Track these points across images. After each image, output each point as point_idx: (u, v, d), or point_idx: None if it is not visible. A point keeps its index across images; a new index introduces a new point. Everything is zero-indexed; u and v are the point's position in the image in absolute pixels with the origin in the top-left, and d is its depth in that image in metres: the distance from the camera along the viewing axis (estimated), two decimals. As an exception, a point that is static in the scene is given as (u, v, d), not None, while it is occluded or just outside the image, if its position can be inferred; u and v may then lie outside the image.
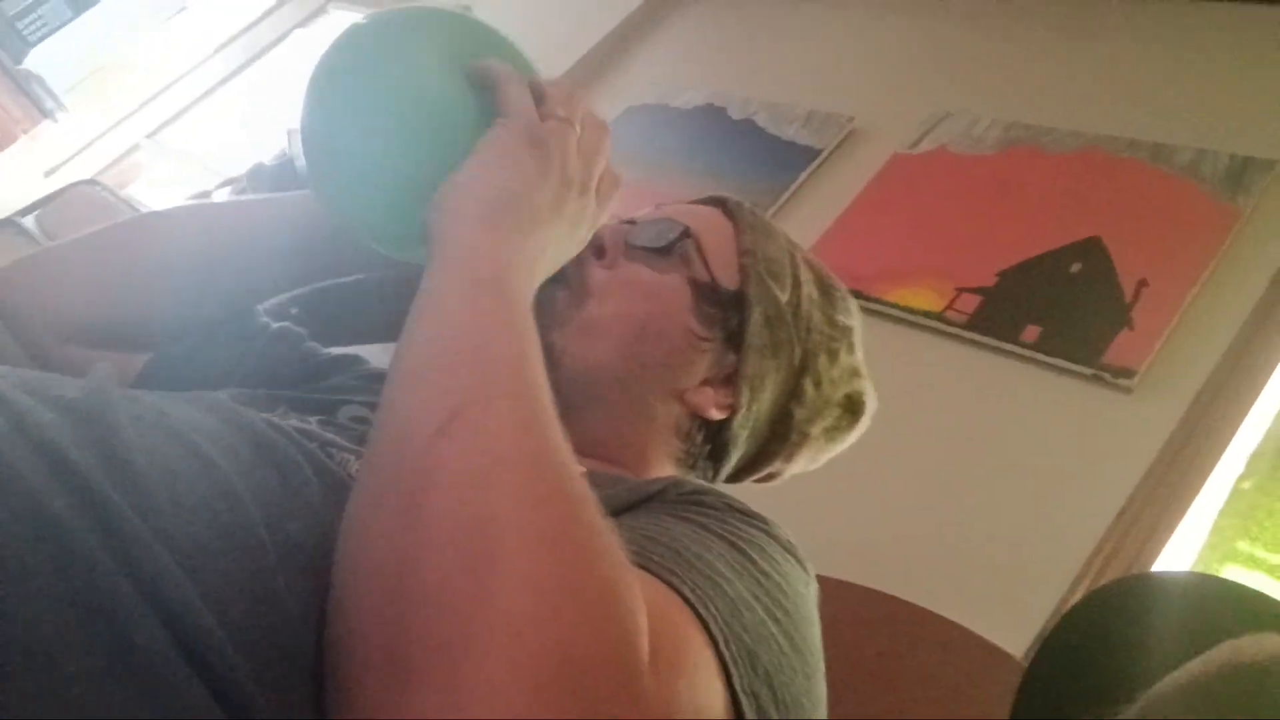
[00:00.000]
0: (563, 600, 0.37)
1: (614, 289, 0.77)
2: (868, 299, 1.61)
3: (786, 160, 1.94)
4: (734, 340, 0.79)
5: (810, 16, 2.30)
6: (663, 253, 0.79)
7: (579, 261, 0.73)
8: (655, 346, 0.77)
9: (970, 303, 1.54)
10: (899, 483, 1.37)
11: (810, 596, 0.58)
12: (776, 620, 0.51)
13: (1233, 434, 1.22)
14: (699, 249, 0.80)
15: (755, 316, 0.79)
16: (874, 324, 1.59)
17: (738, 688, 0.47)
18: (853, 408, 0.87)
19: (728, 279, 0.80)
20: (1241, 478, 1.15)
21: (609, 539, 0.42)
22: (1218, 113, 1.60)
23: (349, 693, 0.38)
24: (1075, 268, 1.51)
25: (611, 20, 2.48)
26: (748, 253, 0.81)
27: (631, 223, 0.81)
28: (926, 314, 1.55)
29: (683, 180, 2.04)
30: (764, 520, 0.61)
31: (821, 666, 0.54)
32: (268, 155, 2.02)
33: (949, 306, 1.55)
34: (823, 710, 0.53)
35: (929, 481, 1.36)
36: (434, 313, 0.51)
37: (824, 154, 1.91)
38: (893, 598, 1.20)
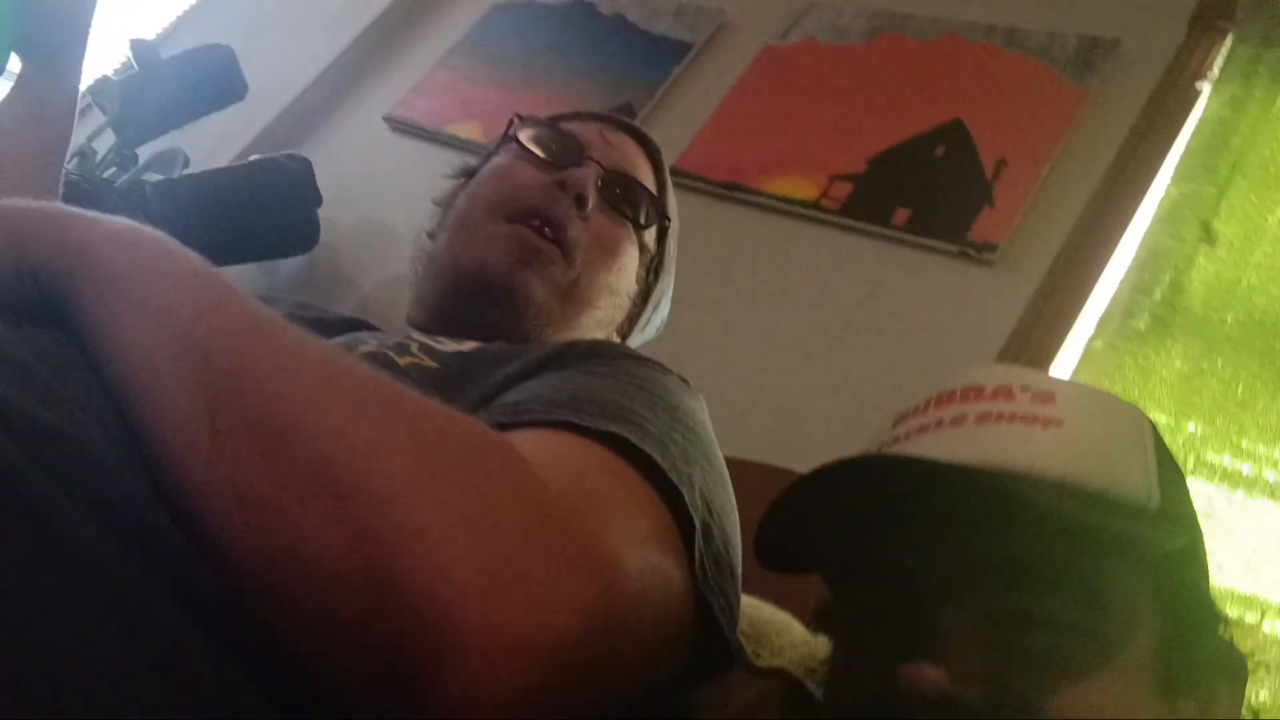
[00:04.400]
0: (428, 477, 0.39)
1: (592, 253, 0.80)
2: (747, 191, 1.64)
3: (658, 56, 1.93)
4: (645, 295, 0.88)
5: (673, -92, 2.27)
6: (639, 226, 0.84)
7: (563, 211, 0.78)
8: (615, 306, 0.84)
9: (843, 190, 1.59)
10: (785, 364, 1.43)
11: (706, 417, 0.63)
12: (691, 444, 0.55)
13: (1086, 298, 1.31)
14: (660, 228, 0.87)
15: (663, 278, 0.89)
16: (754, 216, 1.63)
17: (688, 503, 0.50)
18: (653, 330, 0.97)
19: (652, 239, 0.87)
20: (1093, 338, 1.25)
21: (417, 403, 0.43)
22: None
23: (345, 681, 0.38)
24: (940, 150, 1.57)
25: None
26: (668, 217, 0.88)
27: (599, 164, 0.82)
28: (803, 203, 1.59)
29: (555, 80, 2.01)
30: (654, 361, 0.65)
31: (726, 472, 0.60)
32: (109, 69, 1.89)
33: (823, 194, 1.59)
34: (734, 509, 0.58)
35: (814, 361, 1.43)
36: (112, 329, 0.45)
37: (695, 48, 1.91)
38: (789, 471, 1.26)
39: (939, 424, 0.50)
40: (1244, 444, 1.09)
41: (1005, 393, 0.50)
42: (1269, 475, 1.07)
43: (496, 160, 0.85)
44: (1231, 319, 1.19)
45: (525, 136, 0.84)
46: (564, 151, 0.82)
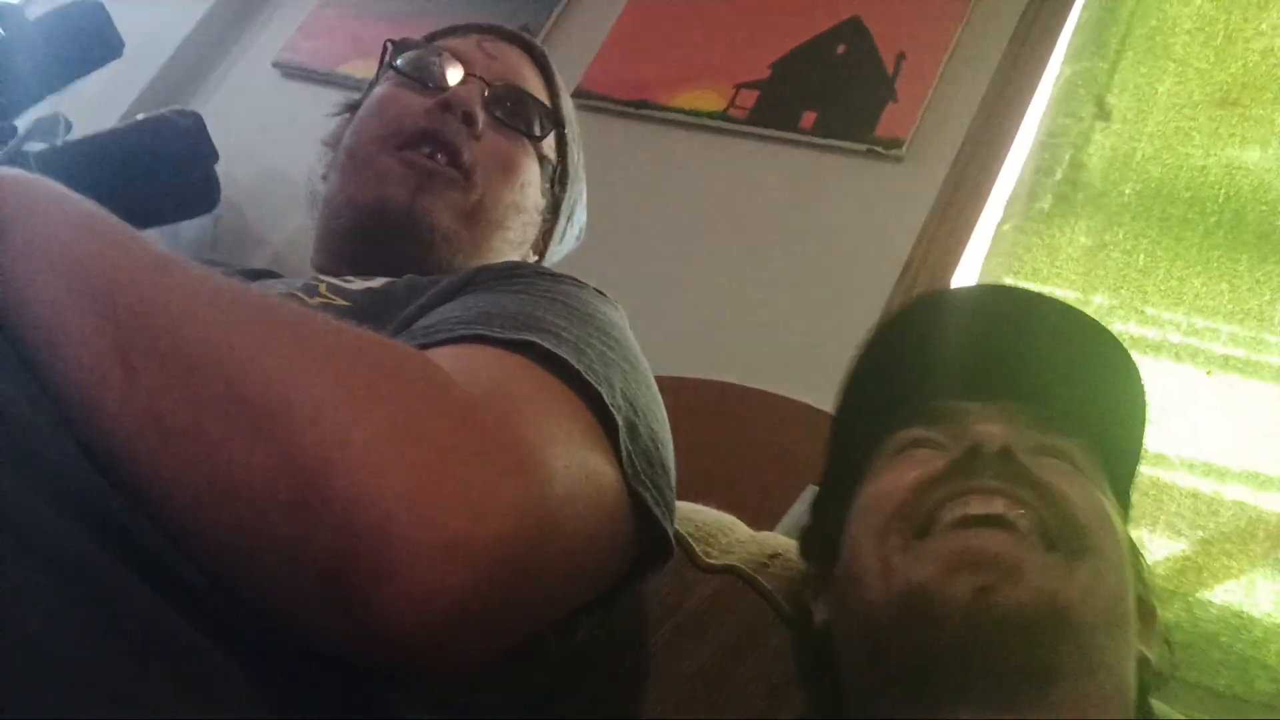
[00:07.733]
0: (342, 394, 0.39)
1: (490, 172, 0.78)
2: (654, 107, 1.63)
3: (550, -25, 1.88)
4: (555, 208, 0.86)
5: None
6: (535, 138, 0.81)
7: (454, 132, 0.74)
8: (524, 224, 0.82)
9: (749, 98, 1.59)
10: (707, 277, 1.45)
11: (626, 325, 0.63)
12: (610, 348, 0.55)
13: (992, 184, 1.34)
14: (558, 136, 0.84)
15: (570, 190, 0.87)
16: (663, 131, 1.62)
17: (608, 403, 0.50)
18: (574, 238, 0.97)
19: (551, 149, 0.84)
20: (1001, 222, 1.28)
21: (318, 323, 0.44)
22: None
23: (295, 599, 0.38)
24: (840, 49, 1.57)
25: None
26: (568, 123, 0.85)
27: (482, 79, 0.79)
28: (711, 114, 1.59)
29: (445, 9, 1.95)
30: (569, 276, 0.64)
31: (651, 376, 0.61)
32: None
33: (730, 105, 1.59)
34: (662, 409, 0.59)
35: (734, 272, 1.44)
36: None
37: (587, -36, 1.86)
38: (717, 383, 1.28)
39: None
40: (1148, 310, 1.13)
41: None
42: (1172, 337, 1.12)
43: (378, 90, 0.82)
44: (1130, 190, 1.23)
45: (403, 61, 0.81)
46: (444, 71, 0.79)
